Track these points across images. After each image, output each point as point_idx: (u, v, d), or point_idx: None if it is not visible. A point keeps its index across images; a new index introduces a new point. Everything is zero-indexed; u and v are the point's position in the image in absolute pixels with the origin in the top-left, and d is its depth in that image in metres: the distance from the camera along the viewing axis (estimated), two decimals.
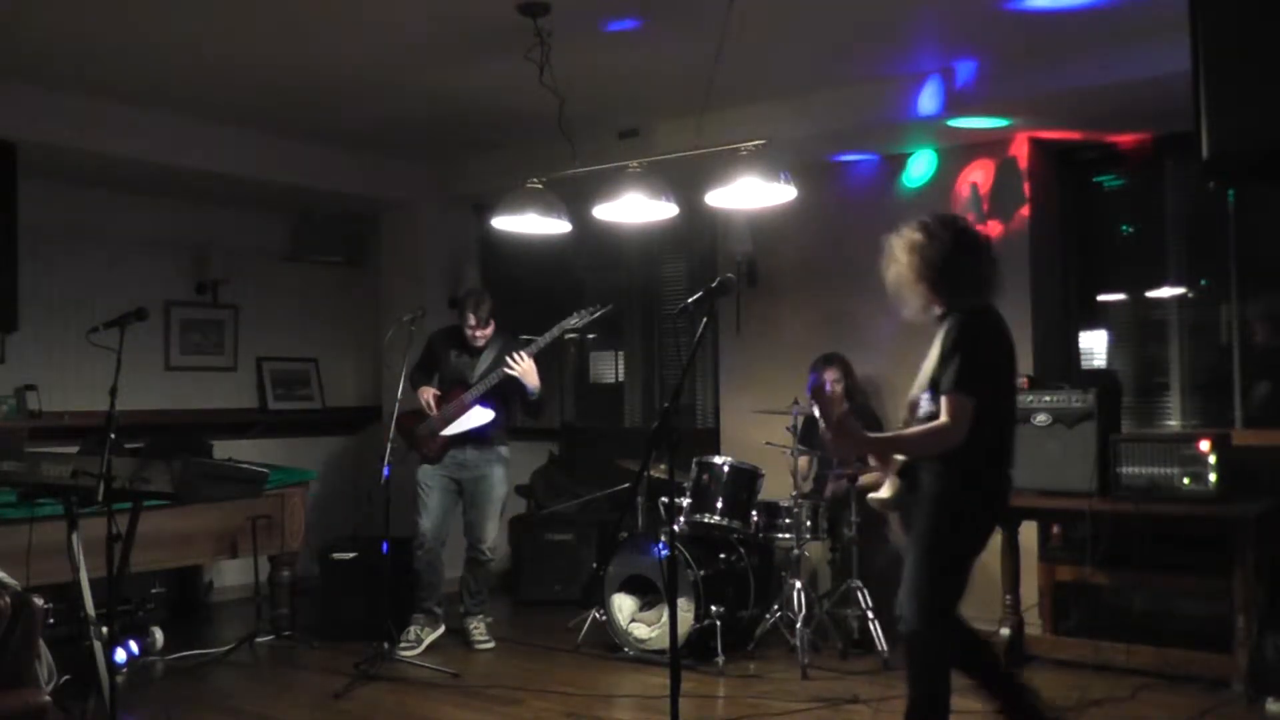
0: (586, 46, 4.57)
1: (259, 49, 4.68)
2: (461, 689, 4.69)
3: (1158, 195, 5.47)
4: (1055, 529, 5.04)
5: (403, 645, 5.16)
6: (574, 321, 5.05)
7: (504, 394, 5.30)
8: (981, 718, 4.18)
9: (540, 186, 4.69)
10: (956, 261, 3.22)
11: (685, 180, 4.75)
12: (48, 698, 3.46)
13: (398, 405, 5.18)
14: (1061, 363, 5.60)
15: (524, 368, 5.09)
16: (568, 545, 6.43)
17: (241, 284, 6.86)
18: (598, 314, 5.06)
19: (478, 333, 5.33)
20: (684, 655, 4.60)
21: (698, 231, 6.56)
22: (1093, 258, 5.68)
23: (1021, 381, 4.90)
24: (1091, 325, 5.70)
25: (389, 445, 5.05)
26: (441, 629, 5.44)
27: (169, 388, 6.52)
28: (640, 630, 5.11)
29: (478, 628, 5.43)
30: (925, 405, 3.26)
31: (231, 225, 6.97)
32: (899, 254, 3.30)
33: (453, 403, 5.32)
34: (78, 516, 3.87)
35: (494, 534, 5.46)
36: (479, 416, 5.29)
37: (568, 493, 6.75)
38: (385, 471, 4.96)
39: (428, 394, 5.37)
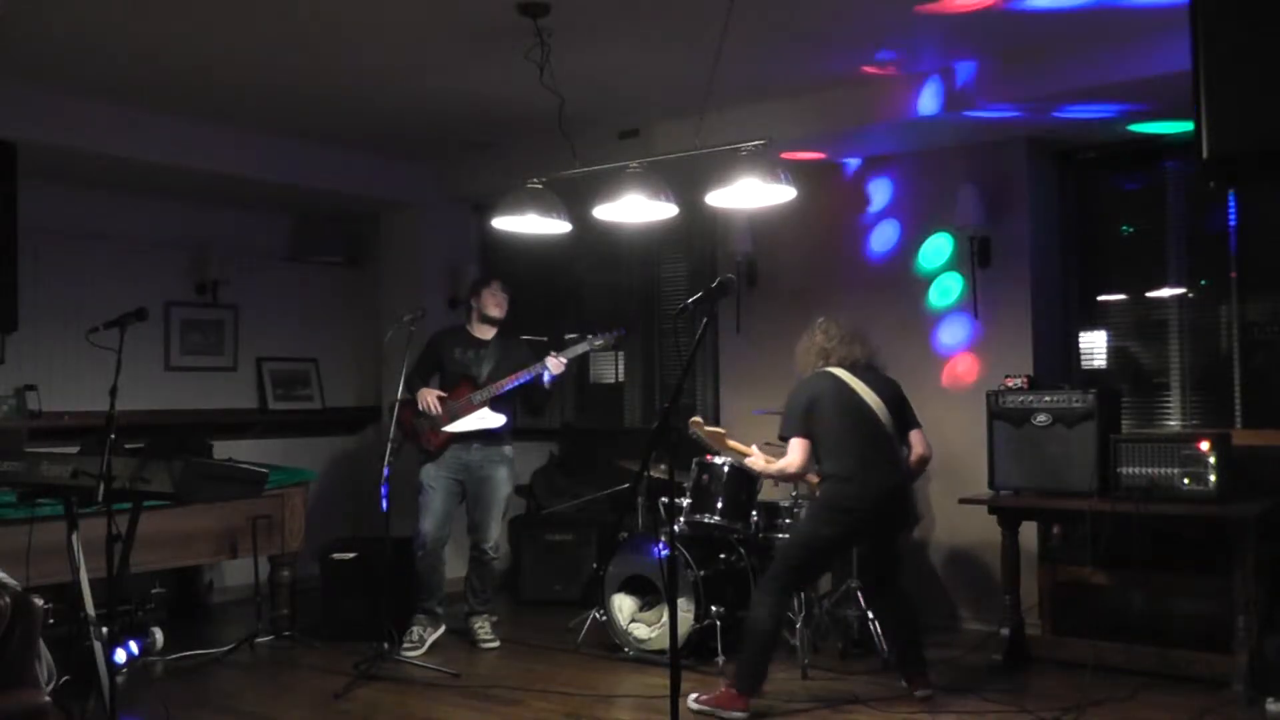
0: (586, 46, 4.57)
1: (259, 49, 4.68)
2: (462, 689, 4.69)
3: (1158, 195, 5.47)
4: (1055, 529, 5.04)
5: (406, 645, 5.16)
6: (599, 342, 5.29)
7: (520, 395, 5.37)
8: (975, 716, 4.20)
9: (540, 186, 4.69)
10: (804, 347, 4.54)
11: (685, 180, 4.74)
12: (48, 698, 3.45)
13: (398, 401, 5.20)
14: (1061, 363, 5.60)
15: (561, 371, 5.25)
16: (568, 545, 6.43)
17: (241, 284, 6.85)
18: (618, 337, 5.39)
19: (501, 311, 5.42)
20: (684, 655, 4.60)
21: (698, 231, 6.56)
22: (1093, 258, 5.68)
23: (1021, 381, 4.93)
24: (1091, 325, 5.69)
25: (389, 445, 5.05)
26: (443, 629, 5.44)
27: (169, 388, 6.51)
28: (640, 630, 5.11)
29: (483, 627, 5.43)
30: None
31: (231, 225, 6.98)
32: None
33: (460, 400, 5.32)
34: (78, 517, 3.87)
35: (498, 533, 5.47)
36: (490, 419, 5.31)
37: (568, 493, 6.75)
38: (385, 471, 4.96)
39: (430, 396, 5.35)
